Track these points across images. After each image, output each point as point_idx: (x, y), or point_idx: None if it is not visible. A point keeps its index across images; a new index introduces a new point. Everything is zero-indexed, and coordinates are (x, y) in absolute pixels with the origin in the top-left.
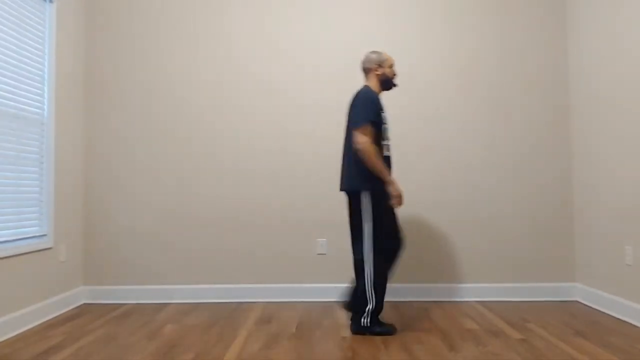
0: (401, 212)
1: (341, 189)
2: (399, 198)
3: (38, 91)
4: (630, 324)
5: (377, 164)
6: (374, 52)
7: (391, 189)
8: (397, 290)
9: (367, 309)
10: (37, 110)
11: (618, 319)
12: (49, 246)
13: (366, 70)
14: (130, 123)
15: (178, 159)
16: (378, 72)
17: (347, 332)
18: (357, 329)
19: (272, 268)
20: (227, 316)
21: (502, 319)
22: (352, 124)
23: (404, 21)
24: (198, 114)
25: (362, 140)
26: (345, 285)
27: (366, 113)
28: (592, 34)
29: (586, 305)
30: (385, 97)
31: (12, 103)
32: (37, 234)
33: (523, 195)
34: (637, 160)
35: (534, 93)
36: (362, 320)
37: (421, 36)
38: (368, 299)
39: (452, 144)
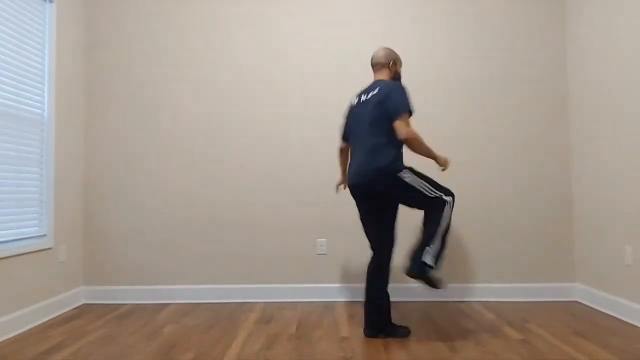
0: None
1: (365, 179)
2: (447, 163)
3: (38, 91)
4: (630, 324)
5: (428, 147)
6: (387, 48)
7: (441, 161)
8: (397, 290)
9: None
10: (37, 111)
11: (618, 319)
12: (49, 246)
13: (380, 65)
14: (130, 123)
15: (178, 159)
16: (393, 69)
17: (347, 332)
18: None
19: (272, 268)
20: (227, 316)
21: (502, 319)
22: (395, 113)
23: (403, 19)
24: (198, 114)
25: (408, 130)
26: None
27: (407, 103)
28: (591, 33)
29: (586, 305)
30: None
31: (12, 103)
32: (37, 234)
33: (522, 196)
34: (637, 160)
35: (533, 94)
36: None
37: (420, 35)
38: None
39: (450, 144)
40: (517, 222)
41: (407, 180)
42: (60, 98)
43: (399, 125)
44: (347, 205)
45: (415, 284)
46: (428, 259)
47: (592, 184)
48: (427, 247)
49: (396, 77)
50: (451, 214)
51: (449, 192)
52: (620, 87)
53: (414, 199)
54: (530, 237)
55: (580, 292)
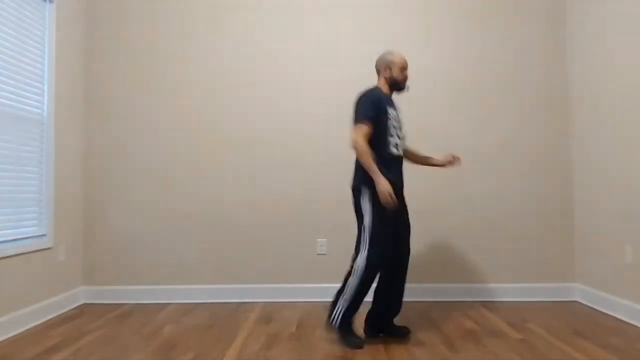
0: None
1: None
2: (385, 197)
3: (38, 91)
4: (630, 324)
5: (366, 162)
6: (388, 52)
7: (378, 187)
8: None
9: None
10: (37, 111)
11: (618, 319)
12: (48, 246)
13: (377, 71)
14: (129, 123)
15: (178, 159)
16: (386, 75)
17: None
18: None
19: (272, 268)
20: (227, 316)
21: (502, 319)
22: (352, 122)
23: (405, 23)
24: (198, 116)
25: (353, 137)
26: None
27: (361, 111)
28: (590, 34)
29: (586, 305)
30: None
31: (12, 103)
32: (37, 234)
33: (523, 196)
34: (636, 160)
35: (534, 94)
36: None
37: (422, 38)
38: (344, 299)
39: (450, 145)
40: (518, 222)
41: (361, 200)
42: (60, 98)
43: (351, 133)
44: (347, 205)
45: (415, 284)
46: (335, 313)
47: (592, 184)
48: (339, 299)
49: (391, 82)
50: (365, 279)
51: (376, 253)
52: (620, 87)
53: (359, 225)
54: (530, 237)
55: (580, 292)
